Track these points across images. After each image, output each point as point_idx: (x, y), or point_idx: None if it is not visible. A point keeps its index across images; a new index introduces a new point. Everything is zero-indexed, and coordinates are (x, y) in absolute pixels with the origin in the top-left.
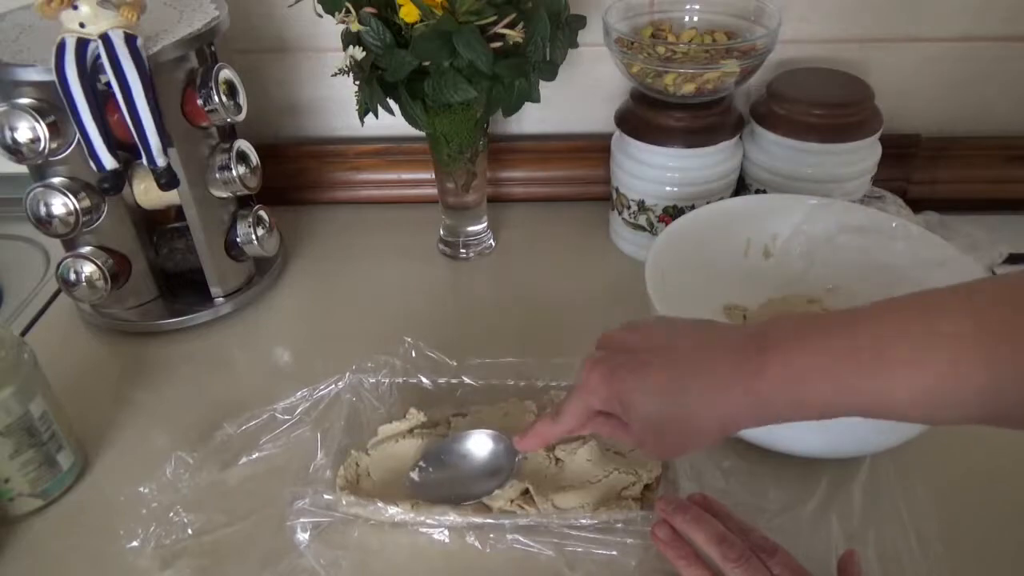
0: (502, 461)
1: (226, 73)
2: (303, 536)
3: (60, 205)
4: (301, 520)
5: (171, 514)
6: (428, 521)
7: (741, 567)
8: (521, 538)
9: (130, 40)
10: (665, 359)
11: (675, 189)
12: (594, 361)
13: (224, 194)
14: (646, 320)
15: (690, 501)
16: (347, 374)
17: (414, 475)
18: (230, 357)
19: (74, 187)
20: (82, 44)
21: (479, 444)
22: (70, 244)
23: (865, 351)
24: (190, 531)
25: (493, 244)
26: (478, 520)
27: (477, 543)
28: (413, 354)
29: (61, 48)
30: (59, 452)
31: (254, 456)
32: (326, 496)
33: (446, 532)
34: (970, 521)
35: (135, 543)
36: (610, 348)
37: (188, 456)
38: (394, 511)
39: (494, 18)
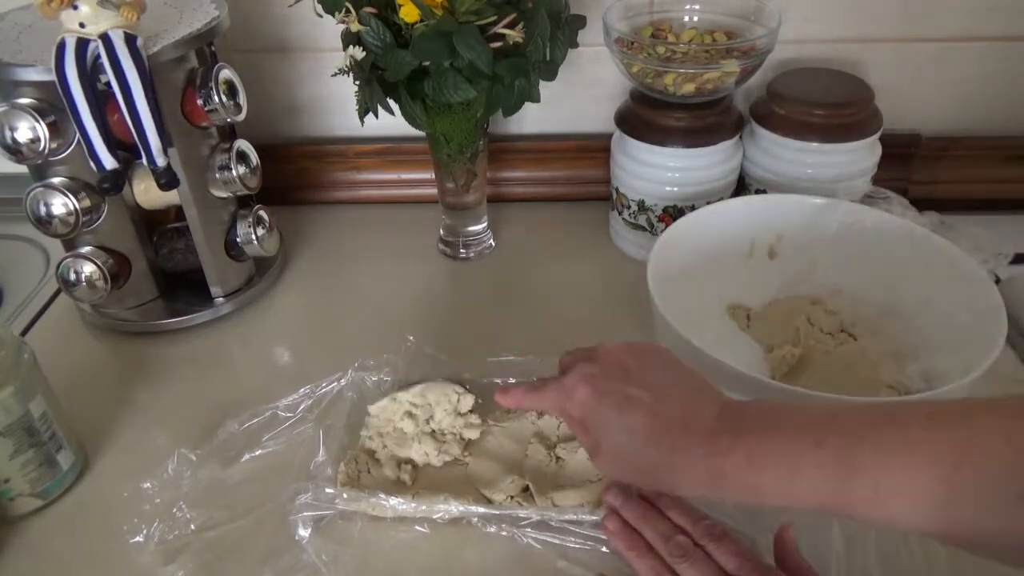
0: None
1: (226, 73)
2: (304, 532)
3: (60, 205)
4: (303, 515)
5: (174, 510)
6: (429, 511)
7: (687, 562)
8: (519, 532)
9: (130, 40)
10: (650, 406)
11: (675, 189)
12: (587, 375)
13: (224, 194)
14: (647, 348)
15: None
16: (349, 372)
17: None
18: (230, 357)
19: (74, 187)
20: (82, 44)
21: None
22: (70, 244)
23: (829, 452)
24: (192, 527)
25: (493, 244)
26: (479, 511)
27: (474, 537)
28: (415, 353)
29: (61, 48)
30: (59, 452)
31: (256, 453)
32: (328, 490)
33: (444, 521)
34: None
35: (138, 539)
36: (606, 365)
37: (191, 453)
38: (395, 502)
39: (494, 18)
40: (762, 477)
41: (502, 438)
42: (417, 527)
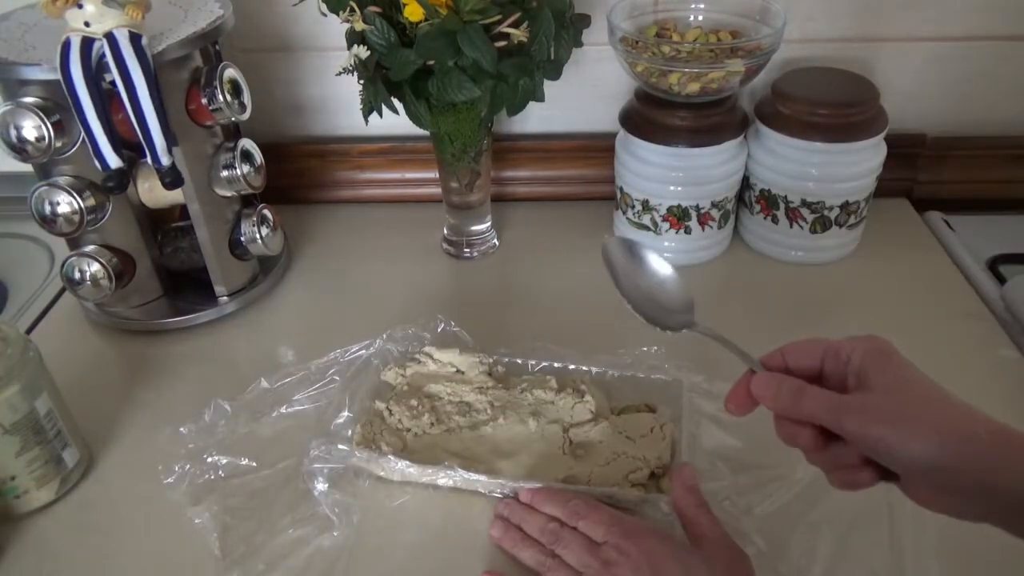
0: (686, 300)
1: (230, 72)
2: (321, 486)
3: (65, 204)
4: (318, 468)
5: (205, 456)
6: (434, 476)
7: (560, 544)
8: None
9: (135, 39)
10: None
11: (679, 188)
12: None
13: (228, 193)
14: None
15: (529, 493)
16: (378, 340)
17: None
18: (234, 356)
19: (79, 186)
20: (87, 43)
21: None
22: (75, 243)
23: None
24: (221, 473)
25: (497, 243)
26: (483, 479)
27: (479, 502)
28: (440, 329)
29: (66, 47)
30: (64, 449)
31: (285, 410)
32: (341, 447)
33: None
34: (969, 524)
35: (170, 480)
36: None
37: (226, 403)
38: (402, 465)
39: (498, 17)
40: None
41: (517, 420)
42: (423, 490)
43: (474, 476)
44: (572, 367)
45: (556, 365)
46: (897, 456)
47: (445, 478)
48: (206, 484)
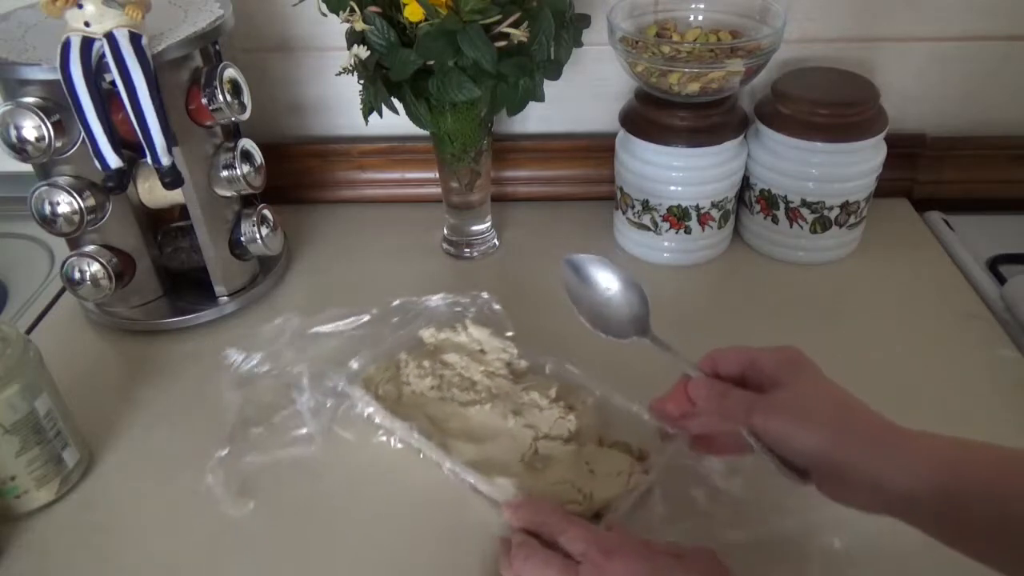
0: (638, 314)
1: (230, 72)
2: (305, 399)
3: (65, 204)
4: (305, 382)
5: (252, 356)
6: (393, 430)
7: (530, 563)
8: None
9: (135, 39)
10: None
11: (679, 189)
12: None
13: (228, 193)
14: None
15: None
16: (435, 298)
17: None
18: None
19: (79, 186)
20: (87, 43)
21: (618, 289)
22: (75, 243)
23: None
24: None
25: (497, 243)
26: (431, 449)
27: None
28: (485, 309)
29: (66, 47)
30: (64, 449)
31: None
32: (334, 375)
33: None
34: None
35: (230, 362)
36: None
37: (296, 317)
38: (371, 411)
39: (498, 17)
40: None
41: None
42: (395, 441)
43: (423, 443)
44: (583, 383)
45: (574, 371)
46: (794, 447)
47: (401, 434)
48: (242, 375)
